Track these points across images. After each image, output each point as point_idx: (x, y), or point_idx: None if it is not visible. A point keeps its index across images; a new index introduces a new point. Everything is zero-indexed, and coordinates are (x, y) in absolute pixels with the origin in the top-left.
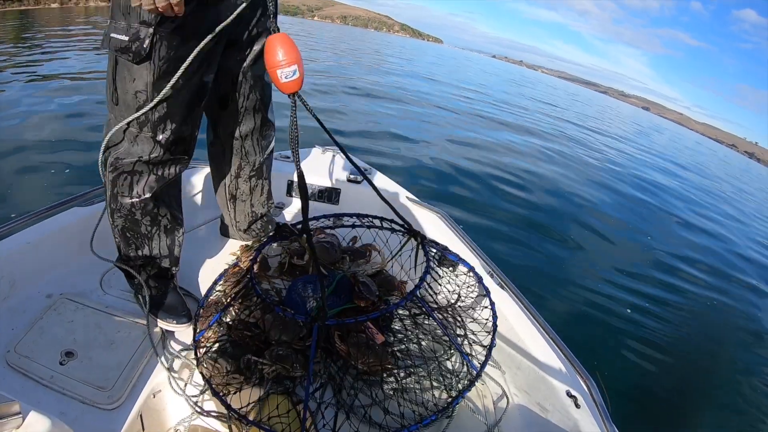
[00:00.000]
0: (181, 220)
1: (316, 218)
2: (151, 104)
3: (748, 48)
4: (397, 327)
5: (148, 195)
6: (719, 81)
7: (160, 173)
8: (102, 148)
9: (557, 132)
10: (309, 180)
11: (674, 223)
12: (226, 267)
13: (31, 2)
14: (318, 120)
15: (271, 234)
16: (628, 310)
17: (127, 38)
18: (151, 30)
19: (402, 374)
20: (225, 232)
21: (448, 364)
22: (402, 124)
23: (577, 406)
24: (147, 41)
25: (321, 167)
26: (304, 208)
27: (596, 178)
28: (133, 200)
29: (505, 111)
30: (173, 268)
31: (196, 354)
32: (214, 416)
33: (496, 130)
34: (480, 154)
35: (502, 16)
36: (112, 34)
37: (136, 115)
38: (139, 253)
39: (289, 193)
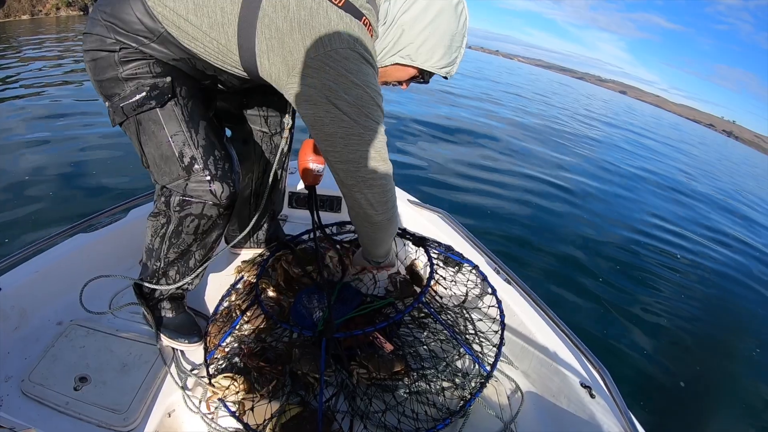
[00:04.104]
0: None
1: (319, 227)
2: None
3: (724, 29)
4: (405, 331)
5: (211, 231)
6: (697, 62)
7: (226, 210)
8: (158, 189)
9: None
10: None
11: (676, 205)
12: (232, 283)
13: (1, 15)
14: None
15: (274, 247)
16: (638, 295)
17: (144, 93)
18: (168, 79)
19: (414, 377)
20: (234, 243)
21: (460, 364)
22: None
23: (592, 396)
24: (167, 83)
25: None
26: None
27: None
28: (198, 239)
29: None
30: (191, 287)
31: (208, 373)
32: None
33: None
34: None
35: (475, 6)
36: (123, 104)
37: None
38: (177, 278)
39: (291, 204)
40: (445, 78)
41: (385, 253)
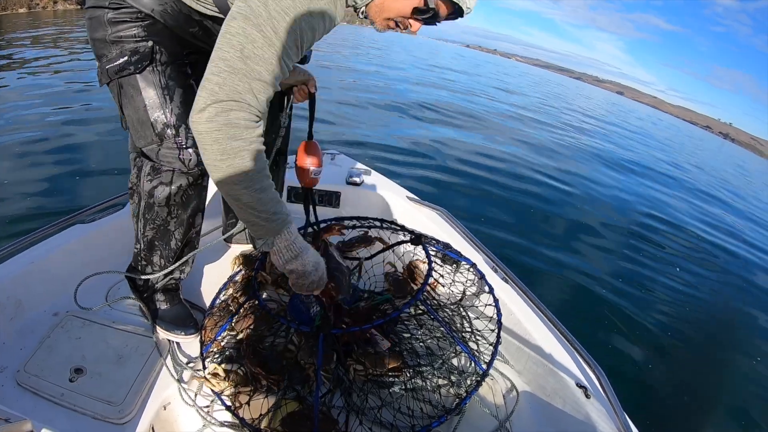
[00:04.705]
0: (201, 228)
1: (318, 222)
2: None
3: (721, 31)
4: (402, 327)
5: (185, 205)
6: (695, 62)
7: (196, 181)
8: (132, 160)
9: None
10: None
11: (676, 202)
12: (229, 276)
13: None
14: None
15: None
16: (633, 294)
17: (126, 57)
18: (149, 43)
19: (410, 374)
20: (229, 239)
21: (456, 362)
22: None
23: (588, 396)
24: (147, 48)
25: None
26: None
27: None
28: (171, 213)
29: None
30: (183, 275)
31: (204, 367)
32: (226, 426)
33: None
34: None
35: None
36: (108, 66)
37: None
38: (163, 262)
39: (289, 199)
40: (460, 14)
41: (248, 220)
